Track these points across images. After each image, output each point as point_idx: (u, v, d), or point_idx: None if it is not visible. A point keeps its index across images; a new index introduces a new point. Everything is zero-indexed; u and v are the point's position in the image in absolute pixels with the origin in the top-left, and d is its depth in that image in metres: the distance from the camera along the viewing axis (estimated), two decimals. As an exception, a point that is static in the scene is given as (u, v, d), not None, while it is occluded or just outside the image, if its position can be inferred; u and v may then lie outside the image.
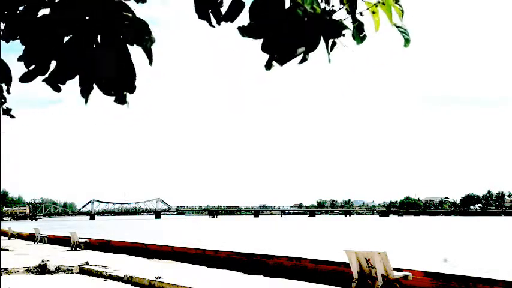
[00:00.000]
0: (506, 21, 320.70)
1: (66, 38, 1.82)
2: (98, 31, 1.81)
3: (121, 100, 1.87)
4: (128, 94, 1.88)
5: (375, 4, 1.98)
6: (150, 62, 1.87)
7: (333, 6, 1.94)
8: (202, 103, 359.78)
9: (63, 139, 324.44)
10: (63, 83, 1.86)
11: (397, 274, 8.90)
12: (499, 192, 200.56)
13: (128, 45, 1.84)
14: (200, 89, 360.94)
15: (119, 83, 1.86)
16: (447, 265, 19.03)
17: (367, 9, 1.98)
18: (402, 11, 2.02)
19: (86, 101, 1.87)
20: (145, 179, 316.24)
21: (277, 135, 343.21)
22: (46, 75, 1.84)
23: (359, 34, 1.97)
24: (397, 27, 2.03)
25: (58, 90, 1.87)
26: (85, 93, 1.86)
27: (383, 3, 1.98)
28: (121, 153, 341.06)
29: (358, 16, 1.96)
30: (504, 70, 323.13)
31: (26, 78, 1.83)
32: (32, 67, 1.82)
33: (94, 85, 1.87)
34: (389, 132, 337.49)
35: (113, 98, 1.88)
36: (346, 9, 1.93)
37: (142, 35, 1.82)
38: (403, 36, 2.04)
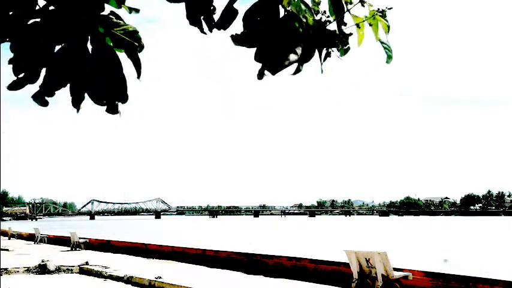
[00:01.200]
0: (506, 22, 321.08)
1: (58, 47, 1.78)
2: (90, 39, 1.78)
3: (113, 110, 1.84)
4: (120, 104, 1.85)
5: (362, 20, 1.98)
6: (138, 75, 1.82)
7: (328, 16, 1.92)
8: (202, 103, 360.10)
9: (64, 139, 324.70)
10: (53, 94, 1.80)
11: (397, 274, 8.90)
12: (499, 192, 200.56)
13: (119, 56, 1.81)
14: (200, 88, 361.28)
15: (111, 93, 1.82)
16: (447, 265, 19.03)
17: (356, 24, 1.97)
18: (388, 26, 2.03)
19: (78, 110, 1.84)
20: (145, 179, 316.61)
21: (277, 135, 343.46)
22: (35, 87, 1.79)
23: (343, 46, 1.97)
24: (382, 43, 2.05)
25: (45, 104, 1.82)
26: (76, 102, 1.82)
27: (374, 19, 1.99)
28: (121, 153, 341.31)
29: (347, 29, 1.96)
30: (504, 70, 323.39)
31: (14, 86, 1.77)
32: (21, 75, 1.76)
33: (86, 94, 1.83)
34: (389, 132, 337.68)
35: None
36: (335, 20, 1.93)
37: (131, 42, 1.78)
38: (386, 52, 2.07)
